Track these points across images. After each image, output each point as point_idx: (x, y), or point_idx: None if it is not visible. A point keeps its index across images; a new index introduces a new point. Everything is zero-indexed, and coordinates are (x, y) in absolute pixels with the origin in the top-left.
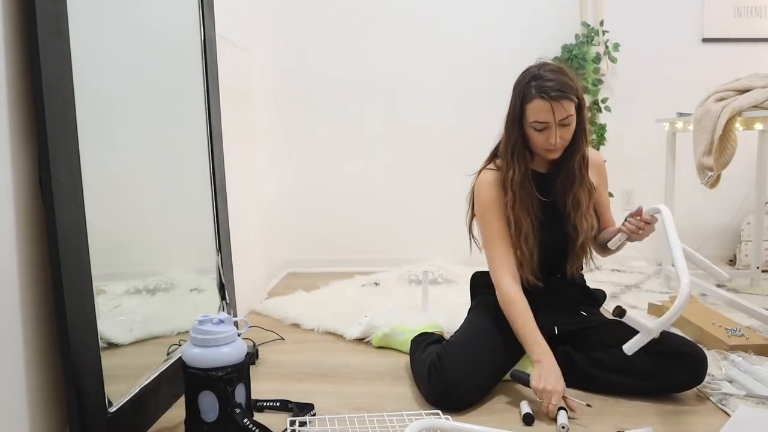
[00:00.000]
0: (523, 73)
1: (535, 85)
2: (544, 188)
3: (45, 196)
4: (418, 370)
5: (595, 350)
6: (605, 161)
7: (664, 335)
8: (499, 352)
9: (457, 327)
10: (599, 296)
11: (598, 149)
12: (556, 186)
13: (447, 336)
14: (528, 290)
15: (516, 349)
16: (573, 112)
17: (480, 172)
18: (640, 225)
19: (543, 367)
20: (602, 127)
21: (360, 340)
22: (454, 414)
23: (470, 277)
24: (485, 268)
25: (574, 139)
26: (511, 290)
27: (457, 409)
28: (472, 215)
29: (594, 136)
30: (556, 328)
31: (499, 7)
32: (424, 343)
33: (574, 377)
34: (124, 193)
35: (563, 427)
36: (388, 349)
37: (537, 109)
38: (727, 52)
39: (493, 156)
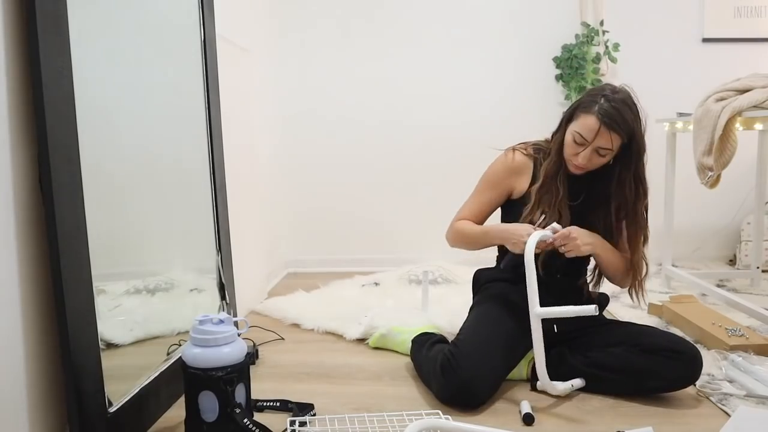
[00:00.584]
0: (600, 86)
1: (600, 103)
2: (575, 189)
3: (45, 196)
4: (427, 368)
5: (591, 350)
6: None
7: (660, 334)
8: (510, 347)
9: (457, 327)
10: (601, 300)
11: None
12: (589, 196)
13: (446, 336)
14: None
15: (523, 343)
16: (615, 148)
17: (512, 147)
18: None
19: (502, 229)
20: None
21: (360, 341)
22: (467, 411)
23: (473, 274)
24: (488, 265)
25: (621, 182)
26: (463, 222)
27: (470, 407)
28: None
29: None
30: (555, 326)
31: (499, 7)
32: (429, 342)
33: (569, 377)
34: (124, 193)
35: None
36: (388, 350)
37: (586, 125)
38: (727, 52)
39: (532, 144)
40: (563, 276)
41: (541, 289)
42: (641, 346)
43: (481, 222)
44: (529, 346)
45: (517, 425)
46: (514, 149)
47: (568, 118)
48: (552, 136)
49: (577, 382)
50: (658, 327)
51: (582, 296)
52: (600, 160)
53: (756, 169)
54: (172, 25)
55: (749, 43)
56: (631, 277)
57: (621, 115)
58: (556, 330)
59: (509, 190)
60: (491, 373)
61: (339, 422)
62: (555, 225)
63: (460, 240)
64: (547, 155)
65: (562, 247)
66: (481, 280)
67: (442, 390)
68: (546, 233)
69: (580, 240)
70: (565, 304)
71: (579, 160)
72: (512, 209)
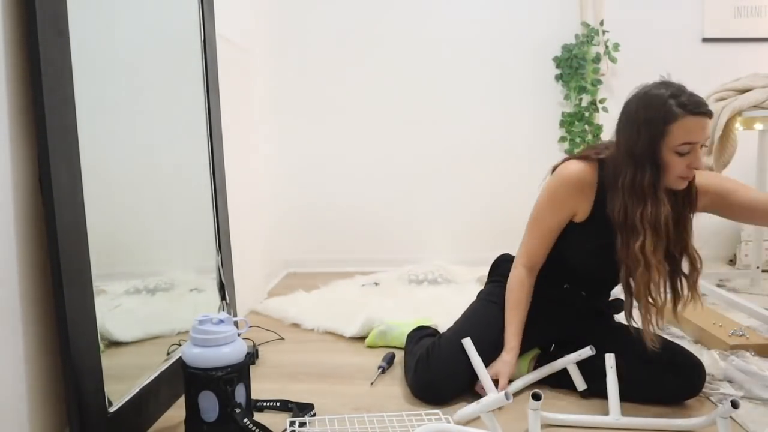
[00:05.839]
0: (648, 91)
1: (676, 102)
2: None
3: (45, 196)
4: (408, 362)
5: (592, 357)
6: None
7: (663, 344)
8: (487, 351)
9: None
10: (616, 306)
11: None
12: None
13: (441, 330)
14: (546, 295)
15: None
16: None
17: (570, 159)
18: None
19: (503, 357)
20: (599, 128)
21: (360, 340)
22: (436, 407)
23: (495, 258)
24: (512, 251)
25: None
26: (519, 279)
27: (436, 404)
28: None
29: (590, 137)
30: (553, 345)
31: (499, 7)
32: (418, 336)
33: (570, 383)
34: (124, 193)
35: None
36: (388, 349)
37: (689, 128)
38: (727, 52)
39: (590, 159)
40: (588, 294)
41: (557, 302)
42: (643, 357)
43: (542, 259)
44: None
45: (516, 425)
46: (572, 159)
47: (653, 144)
48: (625, 180)
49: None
50: (661, 332)
51: (602, 307)
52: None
53: (756, 169)
54: (172, 25)
55: (749, 43)
56: None
57: (697, 96)
58: (552, 348)
59: (572, 213)
60: (458, 376)
61: (339, 422)
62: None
63: (507, 296)
64: (616, 170)
65: None
66: (498, 269)
67: (412, 385)
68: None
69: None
70: (578, 313)
71: (695, 164)
72: (571, 234)
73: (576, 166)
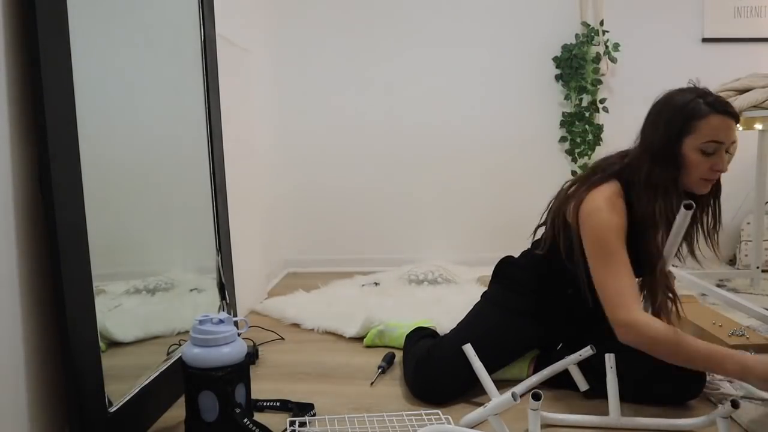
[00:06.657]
0: (675, 92)
1: (704, 101)
2: None
3: (45, 196)
4: (408, 363)
5: (593, 355)
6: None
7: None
8: (489, 355)
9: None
10: None
11: (593, 150)
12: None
13: (440, 332)
14: (550, 301)
15: (507, 353)
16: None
17: (594, 187)
18: None
19: (750, 366)
20: (599, 128)
21: (360, 340)
22: (436, 407)
23: (498, 261)
24: (512, 251)
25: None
26: (653, 325)
27: (437, 403)
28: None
29: (591, 137)
30: (560, 344)
31: (499, 7)
32: (417, 337)
33: (571, 383)
34: (124, 193)
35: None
36: (387, 348)
37: (715, 126)
38: (727, 52)
39: (609, 177)
40: (593, 302)
41: (570, 314)
42: (643, 355)
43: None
44: (519, 354)
45: (516, 425)
46: (590, 189)
47: (675, 141)
48: (647, 174)
49: None
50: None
51: (601, 320)
52: (729, 159)
53: (756, 169)
54: (172, 25)
55: (749, 43)
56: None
57: (727, 101)
58: (558, 348)
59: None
60: (462, 373)
61: (339, 422)
62: None
63: (673, 352)
64: (636, 170)
65: None
66: (501, 273)
67: (412, 384)
68: None
69: None
70: (589, 325)
71: (718, 166)
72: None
73: (601, 193)
